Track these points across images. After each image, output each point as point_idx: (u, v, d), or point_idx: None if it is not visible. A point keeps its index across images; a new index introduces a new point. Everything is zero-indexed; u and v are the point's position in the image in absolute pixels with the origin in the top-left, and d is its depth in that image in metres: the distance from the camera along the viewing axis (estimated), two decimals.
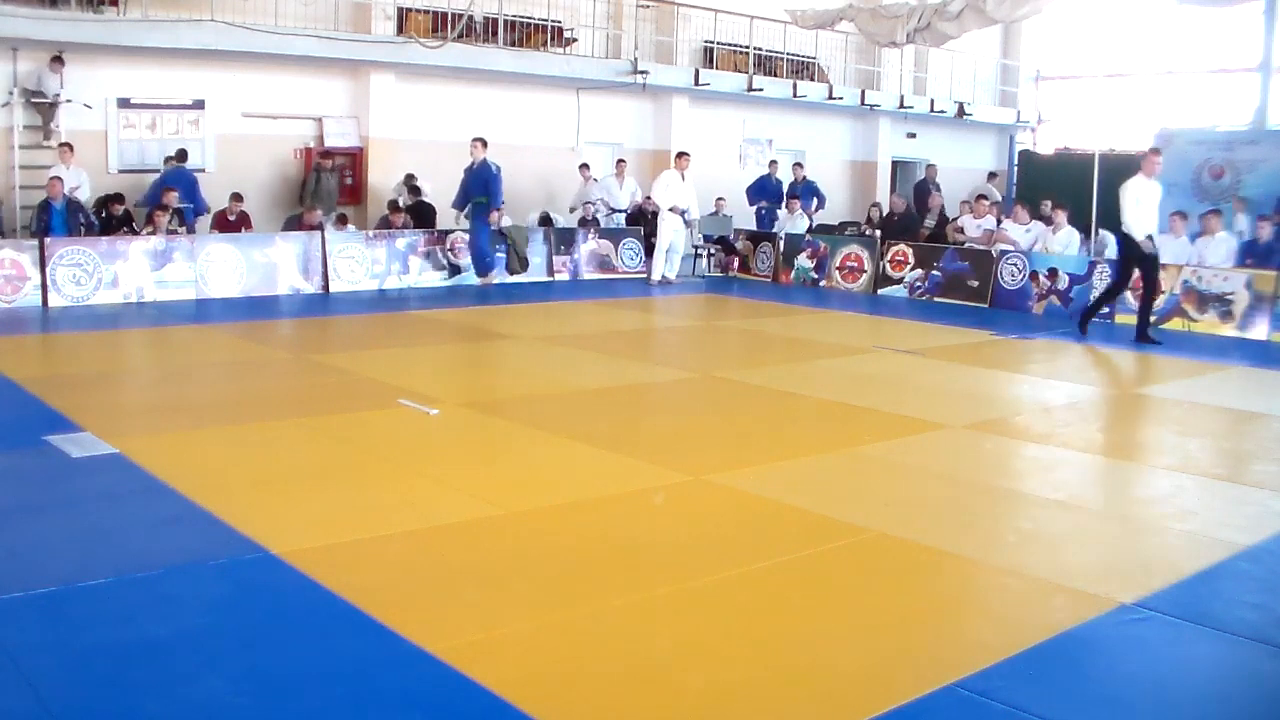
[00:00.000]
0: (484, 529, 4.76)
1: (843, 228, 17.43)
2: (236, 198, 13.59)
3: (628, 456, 6.02)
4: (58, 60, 12.93)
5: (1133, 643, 3.78)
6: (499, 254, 14.15)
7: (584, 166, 16.76)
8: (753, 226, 17.15)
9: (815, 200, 17.42)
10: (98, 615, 3.73)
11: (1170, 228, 12.90)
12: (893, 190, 20.12)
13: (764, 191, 17.49)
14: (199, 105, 14.35)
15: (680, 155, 15.05)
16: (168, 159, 13.57)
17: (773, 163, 18.04)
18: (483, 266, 13.87)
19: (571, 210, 16.53)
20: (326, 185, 14.55)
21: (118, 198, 12.82)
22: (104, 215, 12.58)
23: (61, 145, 12.67)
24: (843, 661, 3.60)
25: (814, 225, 16.86)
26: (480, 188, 13.56)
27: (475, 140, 13.77)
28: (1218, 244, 12.32)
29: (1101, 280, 12.50)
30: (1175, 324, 11.89)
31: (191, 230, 12.89)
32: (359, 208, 15.50)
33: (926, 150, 22.94)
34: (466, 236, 14.21)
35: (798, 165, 18.19)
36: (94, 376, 8.07)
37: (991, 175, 20.99)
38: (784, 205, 16.98)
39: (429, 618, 3.77)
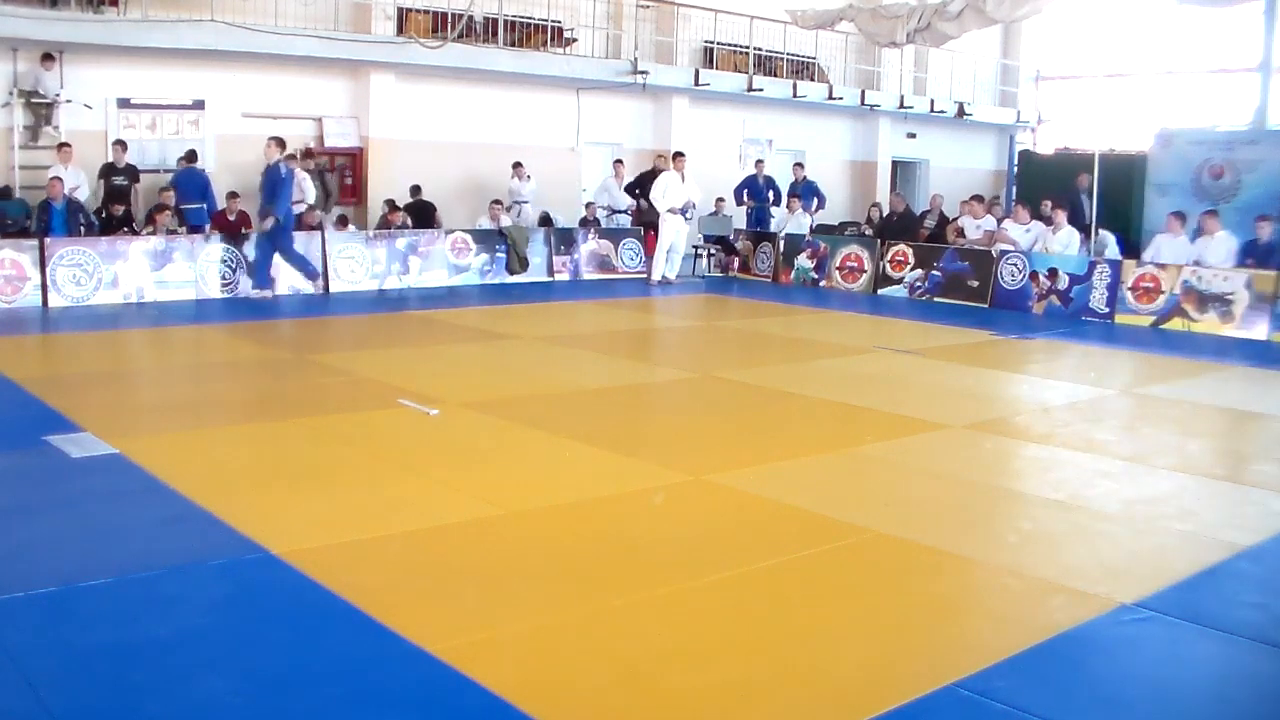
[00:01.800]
0: (484, 529, 4.76)
1: (843, 228, 17.43)
2: (234, 197, 13.58)
3: (628, 456, 6.03)
4: (49, 58, 12.91)
5: (1133, 643, 3.78)
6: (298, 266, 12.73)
7: (517, 165, 15.94)
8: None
9: (815, 200, 17.41)
10: (98, 615, 3.73)
11: (1169, 228, 12.93)
12: (893, 190, 20.09)
13: (751, 191, 17.45)
14: (199, 105, 14.34)
15: (676, 156, 15.00)
16: (179, 160, 13.57)
17: (759, 162, 17.94)
18: (259, 278, 12.41)
19: (506, 209, 15.76)
20: (319, 184, 14.33)
21: (119, 198, 12.81)
22: (104, 215, 12.58)
23: (61, 145, 12.67)
24: (843, 661, 3.60)
25: (814, 225, 16.85)
26: (269, 192, 12.22)
27: (270, 139, 12.52)
28: (1218, 244, 12.32)
29: (1102, 280, 12.51)
30: (1175, 324, 11.90)
31: (202, 231, 12.86)
32: (359, 208, 15.50)
33: (926, 150, 22.94)
34: (466, 237, 14.23)
35: (798, 165, 18.15)
36: (94, 376, 8.07)
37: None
38: (785, 205, 16.97)
39: (429, 618, 3.77)
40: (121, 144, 13.17)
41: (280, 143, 12.50)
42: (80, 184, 12.52)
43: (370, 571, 4.22)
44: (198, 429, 6.42)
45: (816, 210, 17.35)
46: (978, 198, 15.51)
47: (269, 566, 4.20)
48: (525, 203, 15.98)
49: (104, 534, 4.55)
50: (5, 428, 6.26)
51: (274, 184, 12.16)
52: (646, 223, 16.03)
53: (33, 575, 4.01)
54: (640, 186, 16.36)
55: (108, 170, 12.96)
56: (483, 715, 3.15)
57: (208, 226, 13.05)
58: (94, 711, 3.12)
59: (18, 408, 6.78)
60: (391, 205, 14.51)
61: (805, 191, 17.21)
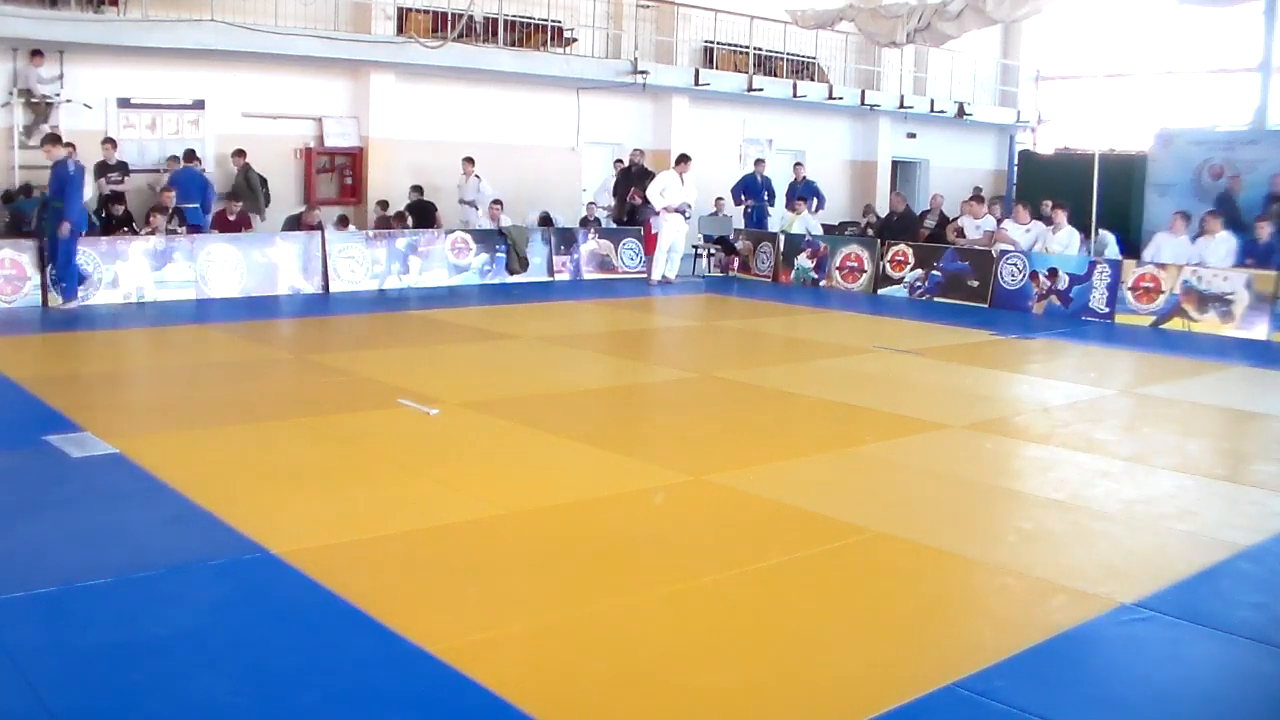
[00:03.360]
0: (484, 529, 4.76)
1: (843, 228, 17.43)
2: (234, 197, 13.59)
3: (628, 456, 6.02)
4: (37, 54, 12.90)
5: (1133, 643, 3.78)
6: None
7: (468, 160, 15.35)
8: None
9: (815, 200, 17.42)
10: (98, 615, 3.73)
11: (1170, 227, 12.93)
12: (893, 190, 20.08)
13: (749, 190, 17.44)
14: (199, 105, 14.34)
15: (681, 159, 14.97)
16: (171, 158, 13.57)
17: (758, 161, 17.95)
18: (66, 289, 11.17)
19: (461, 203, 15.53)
20: (243, 183, 14.07)
21: (115, 197, 12.81)
22: (104, 215, 12.57)
23: (64, 145, 12.64)
24: (843, 661, 3.60)
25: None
26: (56, 191, 11.08)
27: (45, 140, 11.53)
28: (1218, 244, 12.32)
29: (1102, 280, 12.51)
30: (1175, 324, 11.90)
31: (198, 230, 12.85)
32: (359, 208, 15.51)
33: (926, 150, 22.94)
34: (467, 236, 14.24)
35: (798, 165, 18.16)
36: (94, 376, 8.07)
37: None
38: (790, 206, 16.96)
39: (429, 618, 3.77)
40: (111, 141, 13.18)
41: (57, 140, 11.31)
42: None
43: (370, 571, 4.22)
44: (198, 429, 6.41)
45: (816, 210, 17.37)
46: (977, 197, 15.51)
47: (269, 566, 4.20)
48: (469, 203, 15.25)
49: (104, 534, 4.55)
50: (5, 428, 6.26)
51: (63, 182, 11.05)
52: (621, 222, 16.11)
53: (33, 575, 4.01)
54: (615, 188, 16.49)
55: (102, 169, 12.95)
56: (483, 715, 3.15)
57: (206, 223, 13.09)
58: (94, 711, 3.12)
59: (18, 408, 6.77)
60: (383, 206, 14.61)
61: (805, 191, 17.22)
